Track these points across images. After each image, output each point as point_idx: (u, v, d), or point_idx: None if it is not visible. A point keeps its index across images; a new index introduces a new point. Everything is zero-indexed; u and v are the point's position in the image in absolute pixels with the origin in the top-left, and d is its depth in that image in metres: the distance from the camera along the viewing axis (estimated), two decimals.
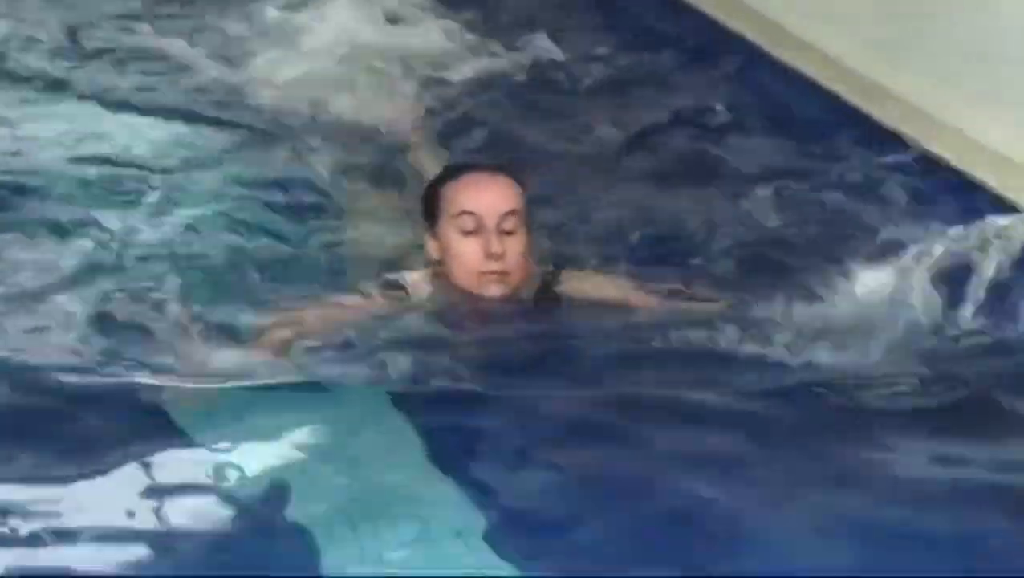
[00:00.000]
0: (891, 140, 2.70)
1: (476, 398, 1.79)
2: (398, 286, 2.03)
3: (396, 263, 2.15)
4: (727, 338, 1.87)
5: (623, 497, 1.57)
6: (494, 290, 1.99)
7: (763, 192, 2.54)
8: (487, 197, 2.00)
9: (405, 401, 1.76)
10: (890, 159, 2.64)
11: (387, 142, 2.81)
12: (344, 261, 2.32)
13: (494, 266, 1.97)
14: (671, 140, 2.95)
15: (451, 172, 2.10)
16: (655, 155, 2.87)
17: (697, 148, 2.89)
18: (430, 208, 2.07)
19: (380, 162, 2.71)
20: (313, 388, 1.81)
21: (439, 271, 2.04)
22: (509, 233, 1.98)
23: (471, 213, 1.98)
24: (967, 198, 2.40)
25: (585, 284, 2.10)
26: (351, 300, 2.04)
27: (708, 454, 1.66)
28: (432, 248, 2.05)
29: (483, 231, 1.98)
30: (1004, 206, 2.26)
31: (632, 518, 1.52)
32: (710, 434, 1.72)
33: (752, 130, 2.99)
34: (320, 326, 1.97)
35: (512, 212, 1.99)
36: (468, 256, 1.98)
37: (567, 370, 1.94)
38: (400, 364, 1.82)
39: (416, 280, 2.04)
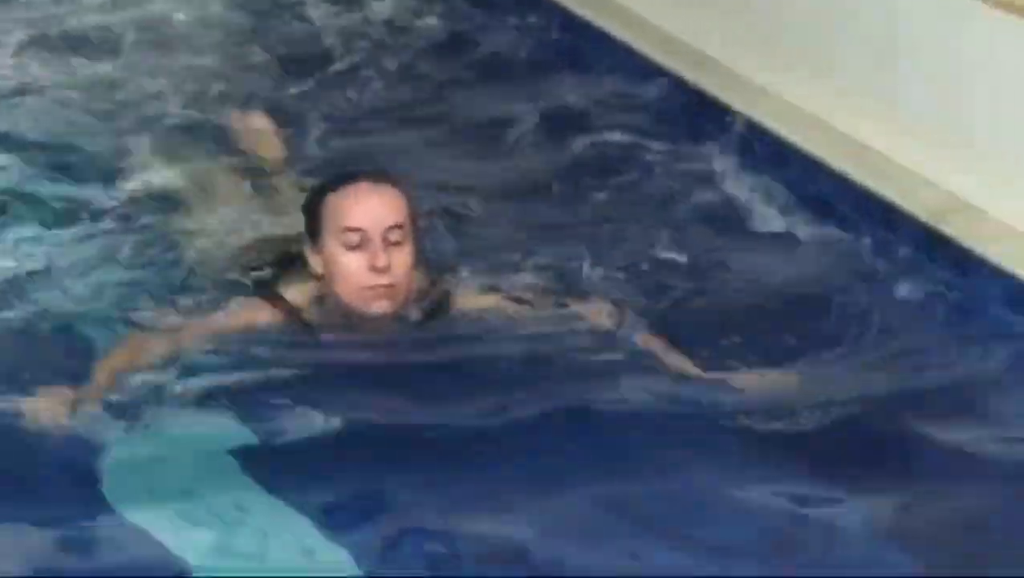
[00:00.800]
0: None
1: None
2: (279, 298, 1.97)
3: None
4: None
5: None
6: (381, 306, 1.91)
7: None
8: (372, 210, 1.90)
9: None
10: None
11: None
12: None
13: (381, 280, 1.88)
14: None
15: (333, 183, 1.98)
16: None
17: None
18: (312, 222, 1.96)
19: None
20: None
21: (323, 287, 1.95)
22: (395, 245, 1.89)
23: (355, 229, 1.89)
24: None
25: (480, 301, 2.02)
26: (228, 321, 1.95)
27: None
28: (315, 263, 1.96)
29: (368, 245, 1.89)
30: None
31: None
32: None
33: None
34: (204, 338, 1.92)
35: (398, 225, 1.91)
36: (353, 271, 1.90)
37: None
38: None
39: (296, 297, 1.97)
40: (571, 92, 3.24)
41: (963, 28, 2.42)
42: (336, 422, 1.81)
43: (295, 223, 2.08)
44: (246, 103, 3.00)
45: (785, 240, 2.52)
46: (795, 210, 2.59)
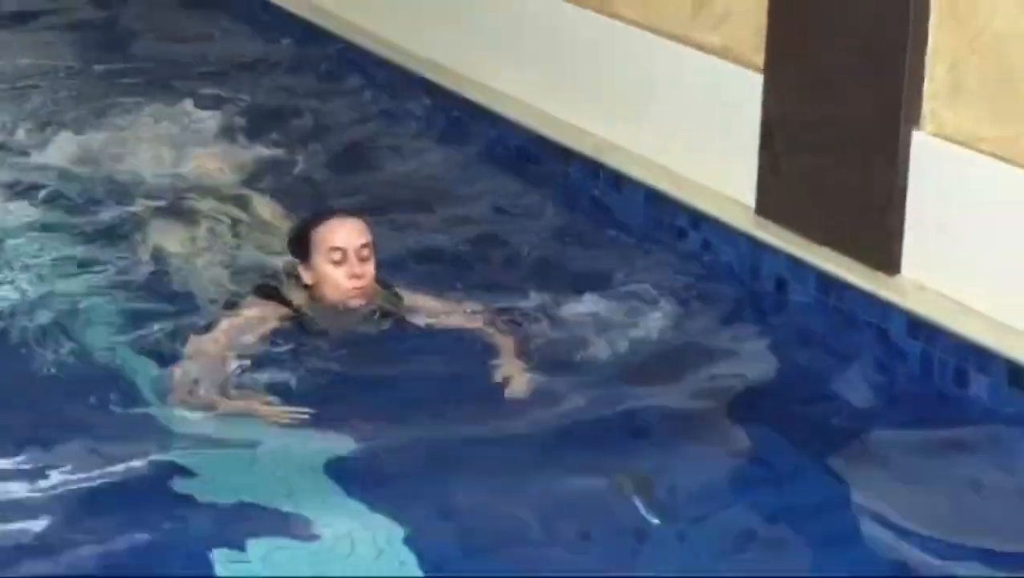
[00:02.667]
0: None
1: None
2: (287, 302, 2.67)
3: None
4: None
5: None
6: (357, 302, 2.65)
7: None
8: (348, 235, 2.63)
9: None
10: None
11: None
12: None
13: (357, 284, 2.62)
14: None
15: (317, 219, 2.72)
16: None
17: None
18: (303, 247, 2.67)
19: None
20: None
21: (314, 293, 2.67)
22: (364, 260, 2.63)
23: (338, 248, 2.61)
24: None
25: (416, 301, 2.77)
26: (264, 311, 2.65)
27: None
28: (307, 276, 2.66)
29: (347, 260, 2.61)
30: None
31: None
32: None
33: None
34: (244, 337, 2.60)
35: (365, 244, 2.65)
36: (339, 280, 2.63)
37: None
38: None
39: (293, 297, 2.68)
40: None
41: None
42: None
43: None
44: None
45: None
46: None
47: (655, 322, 2.82)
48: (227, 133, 3.93)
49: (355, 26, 4.66)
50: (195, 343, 2.57)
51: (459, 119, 4.07)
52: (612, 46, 3.60)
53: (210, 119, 3.99)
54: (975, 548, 2.09)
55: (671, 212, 3.29)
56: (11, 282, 2.92)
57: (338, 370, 2.57)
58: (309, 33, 4.87)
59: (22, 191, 3.43)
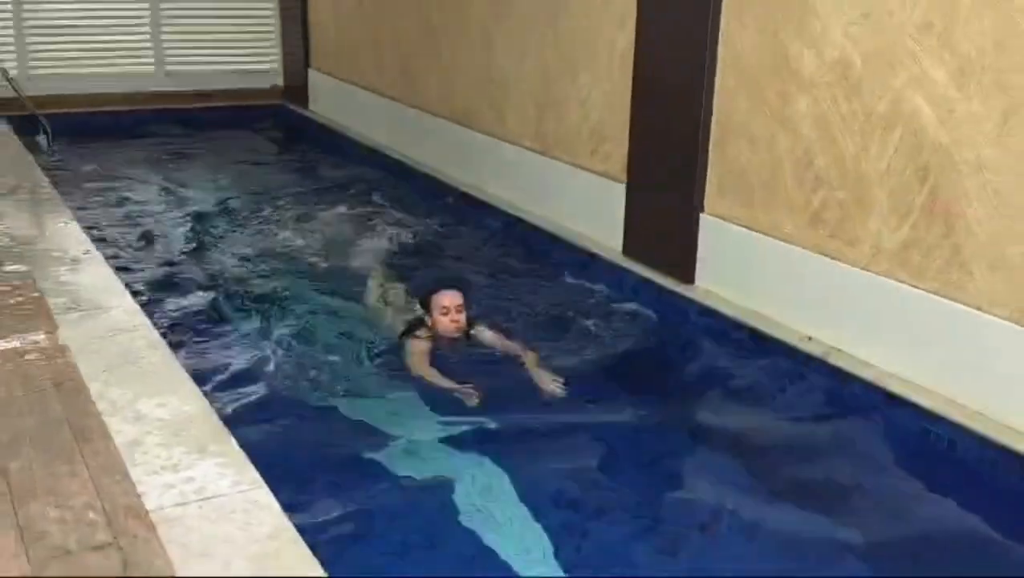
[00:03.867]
0: None
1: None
2: (426, 336, 4.40)
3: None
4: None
5: None
6: (454, 334, 4.39)
7: None
8: (451, 300, 4.38)
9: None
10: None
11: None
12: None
13: (455, 327, 4.38)
14: None
15: (437, 289, 4.41)
16: None
17: None
18: (427, 305, 4.41)
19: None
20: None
21: (431, 329, 4.40)
22: (460, 312, 4.38)
23: (446, 306, 4.36)
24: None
25: (484, 334, 4.51)
26: (416, 341, 4.39)
27: None
28: (428, 321, 4.41)
29: (450, 313, 4.34)
30: None
31: None
32: None
33: None
34: (427, 356, 4.31)
35: (460, 304, 4.38)
36: (446, 324, 4.36)
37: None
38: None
39: (424, 332, 4.42)
40: None
41: None
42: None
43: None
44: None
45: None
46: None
47: (584, 307, 5.14)
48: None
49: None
50: (414, 349, 4.31)
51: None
52: (550, 169, 6.20)
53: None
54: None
55: (577, 254, 5.77)
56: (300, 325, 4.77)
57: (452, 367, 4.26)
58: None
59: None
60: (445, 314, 4.35)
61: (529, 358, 4.32)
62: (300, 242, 6.14)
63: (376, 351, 4.44)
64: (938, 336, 3.95)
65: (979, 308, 3.82)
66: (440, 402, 3.99)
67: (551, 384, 4.15)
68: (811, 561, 3.08)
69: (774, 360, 4.48)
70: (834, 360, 4.29)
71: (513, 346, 4.43)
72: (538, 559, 2.94)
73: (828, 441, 3.90)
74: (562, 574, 2.90)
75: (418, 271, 5.35)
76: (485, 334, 4.49)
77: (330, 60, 9.59)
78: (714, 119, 5.00)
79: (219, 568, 2.38)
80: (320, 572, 2.41)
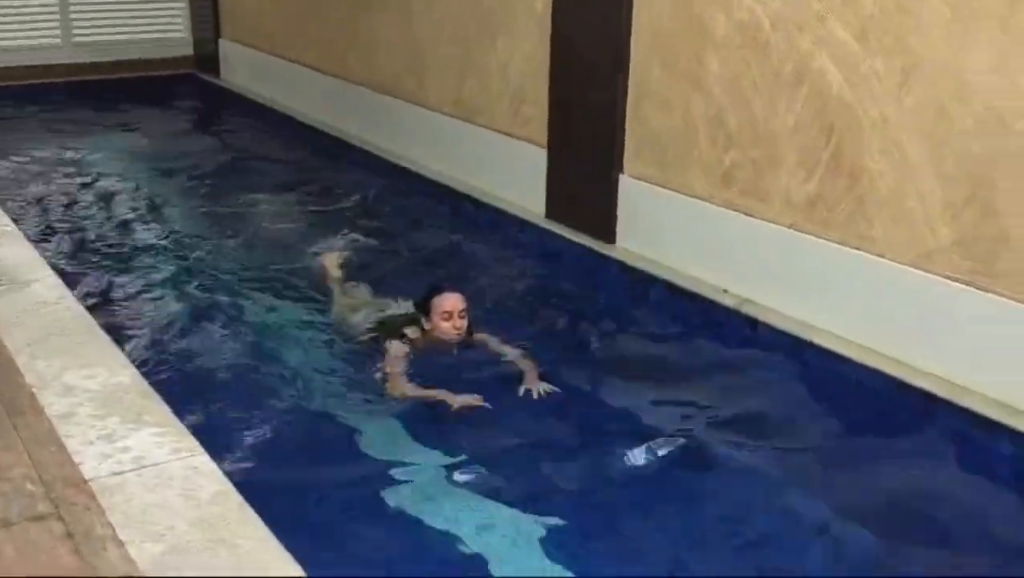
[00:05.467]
0: None
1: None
2: (408, 340, 4.04)
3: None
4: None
5: None
6: (455, 339, 4.05)
7: None
8: (454, 304, 4.04)
9: None
10: None
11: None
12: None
13: (456, 332, 4.04)
14: None
15: (436, 292, 4.08)
16: None
17: None
18: (426, 307, 4.05)
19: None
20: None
21: (427, 333, 4.05)
22: (462, 317, 4.04)
23: (448, 311, 4.02)
24: None
25: (484, 340, 4.18)
26: (400, 345, 4.02)
27: None
28: (427, 324, 4.05)
29: (452, 318, 4.00)
30: None
31: None
32: None
33: None
34: (406, 361, 3.97)
35: (463, 309, 4.04)
36: (448, 329, 4.02)
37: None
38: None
39: (417, 336, 4.08)
40: None
41: None
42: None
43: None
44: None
45: None
46: None
47: (510, 272, 5.22)
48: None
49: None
50: (389, 359, 3.93)
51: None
52: (472, 135, 6.27)
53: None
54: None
55: (501, 218, 5.88)
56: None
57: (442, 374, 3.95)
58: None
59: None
60: (447, 319, 4.02)
61: (526, 365, 4.06)
62: (221, 213, 6.09)
63: (309, 319, 4.44)
64: (844, 284, 4.17)
65: (881, 256, 4.04)
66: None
67: (537, 383, 3.93)
68: (727, 479, 3.35)
69: (692, 312, 4.66)
70: (747, 310, 4.49)
71: (513, 352, 4.15)
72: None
73: (744, 383, 4.10)
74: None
75: (356, 245, 5.36)
76: (485, 340, 4.18)
77: (243, 29, 9.41)
78: (631, 82, 5.12)
79: (162, 534, 2.42)
80: (268, 534, 2.46)
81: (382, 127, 7.21)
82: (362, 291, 4.70)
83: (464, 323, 4.05)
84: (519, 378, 3.95)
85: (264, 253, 5.43)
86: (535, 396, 3.86)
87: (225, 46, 9.74)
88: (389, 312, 4.31)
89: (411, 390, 3.81)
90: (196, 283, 4.90)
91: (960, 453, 3.53)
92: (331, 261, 5.04)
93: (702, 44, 4.70)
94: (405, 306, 4.30)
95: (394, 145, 7.06)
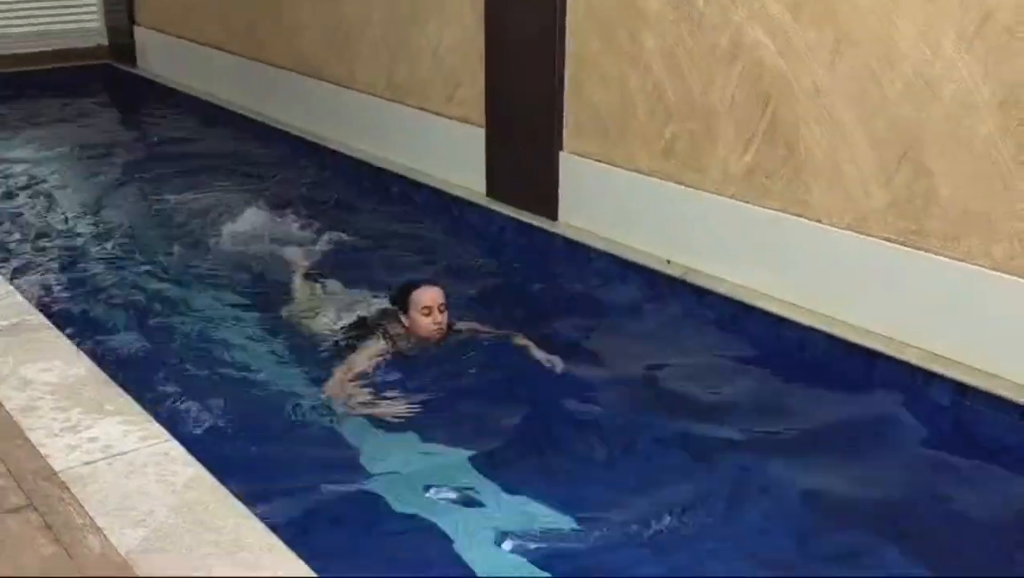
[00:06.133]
0: None
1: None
2: (390, 338, 3.83)
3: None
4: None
5: None
6: (436, 338, 3.84)
7: None
8: (433, 298, 3.82)
9: None
10: None
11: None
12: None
13: (438, 328, 3.83)
14: None
15: (414, 286, 3.87)
16: None
17: None
18: (403, 304, 3.83)
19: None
20: None
21: (406, 331, 3.84)
22: (442, 312, 3.83)
23: (427, 307, 3.80)
24: None
25: (463, 324, 4.01)
26: (376, 344, 3.82)
27: None
28: (405, 321, 3.84)
29: (432, 314, 3.78)
30: None
31: None
32: None
33: None
34: (368, 364, 3.72)
35: (443, 303, 3.84)
36: (427, 325, 3.81)
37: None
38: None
39: (397, 333, 3.85)
40: None
41: None
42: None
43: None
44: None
45: None
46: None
47: (455, 253, 5.24)
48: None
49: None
50: (347, 363, 3.69)
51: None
52: (407, 117, 6.26)
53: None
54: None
55: (442, 199, 5.89)
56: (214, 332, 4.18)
57: (422, 377, 3.75)
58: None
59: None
60: (427, 315, 3.80)
61: (523, 341, 3.98)
62: (150, 203, 5.96)
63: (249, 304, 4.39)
64: (784, 249, 4.32)
65: (819, 221, 4.20)
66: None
67: (545, 354, 3.90)
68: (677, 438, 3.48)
69: (636, 283, 4.77)
70: (691, 279, 4.61)
71: (501, 333, 4.02)
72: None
73: (690, 347, 4.23)
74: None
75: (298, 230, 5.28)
76: (470, 329, 4.01)
77: (159, 16, 9.17)
78: (568, 59, 5.19)
79: (141, 519, 2.40)
80: (248, 513, 2.46)
81: (311, 111, 7.13)
82: (331, 286, 4.55)
83: (445, 318, 3.85)
84: (518, 353, 3.88)
85: (195, 242, 5.35)
86: (554, 367, 3.85)
87: (141, 34, 9.48)
88: (361, 311, 4.11)
89: (352, 399, 3.56)
90: (134, 274, 4.81)
91: (901, 404, 3.70)
92: (299, 255, 4.95)
93: (636, 20, 4.79)
94: (376, 302, 4.15)
95: (324, 129, 6.98)
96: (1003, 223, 3.60)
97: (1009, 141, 3.54)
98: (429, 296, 3.82)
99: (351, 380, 3.65)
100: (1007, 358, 3.59)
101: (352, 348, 3.84)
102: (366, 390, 3.60)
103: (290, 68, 7.35)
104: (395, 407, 3.52)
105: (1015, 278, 3.59)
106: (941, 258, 3.80)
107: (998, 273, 3.63)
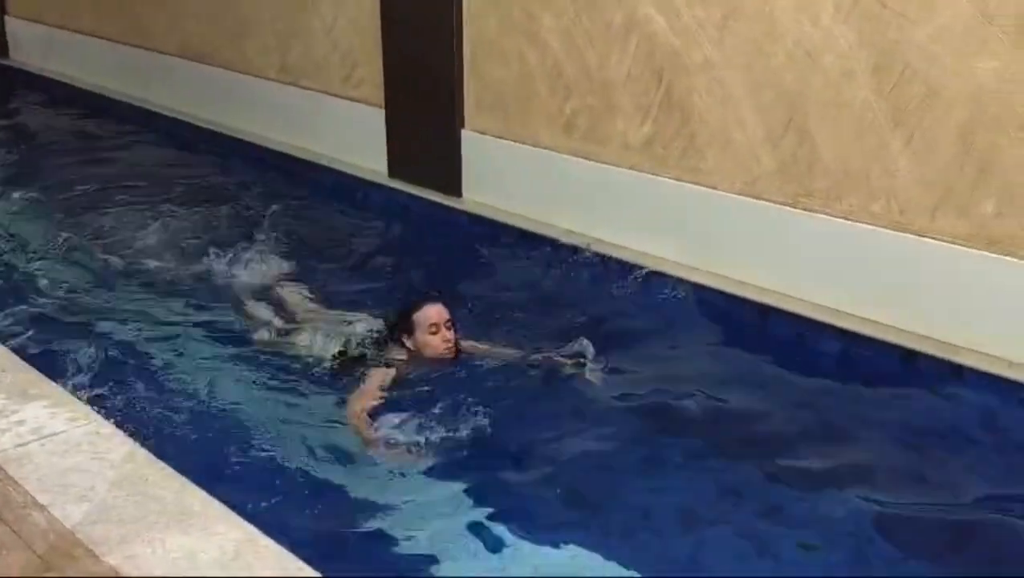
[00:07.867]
0: None
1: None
2: (397, 362, 3.61)
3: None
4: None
5: None
6: (447, 356, 3.63)
7: None
8: (439, 315, 3.64)
9: None
10: None
11: None
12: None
13: (448, 346, 3.63)
14: None
15: (418, 306, 3.67)
16: None
17: None
18: (408, 326, 3.62)
19: None
20: None
21: (414, 355, 3.63)
22: (450, 329, 3.65)
23: (435, 324, 3.62)
24: None
25: (468, 344, 3.77)
26: (384, 372, 3.55)
27: None
28: (411, 344, 3.63)
29: (440, 332, 3.61)
30: None
31: None
32: None
33: None
34: (378, 390, 3.44)
35: (450, 320, 3.66)
36: (437, 345, 3.62)
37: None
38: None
39: (402, 358, 3.64)
40: None
41: None
42: None
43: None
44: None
45: None
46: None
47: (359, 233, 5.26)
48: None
49: None
50: (360, 391, 3.43)
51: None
52: (302, 100, 6.26)
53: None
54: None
55: (342, 180, 5.91)
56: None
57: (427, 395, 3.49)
58: None
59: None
60: (435, 333, 3.61)
61: (546, 360, 3.73)
62: (42, 199, 5.77)
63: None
64: (682, 214, 4.55)
65: (713, 187, 4.45)
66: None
67: (593, 374, 3.68)
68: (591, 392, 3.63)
69: (542, 254, 4.93)
70: (596, 248, 4.80)
71: (513, 353, 3.78)
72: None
73: (598, 311, 4.39)
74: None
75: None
76: (480, 348, 3.79)
77: (30, 4, 8.80)
78: (466, 38, 5.29)
79: (83, 494, 2.41)
80: (187, 482, 2.50)
81: (201, 97, 7.01)
82: (296, 297, 4.27)
83: (453, 335, 3.65)
84: (550, 370, 3.67)
85: (97, 233, 5.24)
86: (597, 381, 3.64)
87: (11, 23, 9.07)
88: (347, 329, 3.84)
89: (369, 434, 3.26)
90: (39, 263, 4.72)
91: (792, 352, 3.99)
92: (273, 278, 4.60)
93: None
94: (355, 317, 3.93)
95: (214, 114, 6.88)
96: (880, 181, 3.91)
97: (884, 104, 3.84)
98: (435, 313, 3.65)
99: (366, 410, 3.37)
100: (889, 308, 3.91)
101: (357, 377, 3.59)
102: (382, 430, 3.27)
103: (176, 54, 7.20)
104: (412, 456, 3.19)
105: (891, 232, 3.90)
106: (825, 216, 4.09)
107: (876, 228, 3.94)
